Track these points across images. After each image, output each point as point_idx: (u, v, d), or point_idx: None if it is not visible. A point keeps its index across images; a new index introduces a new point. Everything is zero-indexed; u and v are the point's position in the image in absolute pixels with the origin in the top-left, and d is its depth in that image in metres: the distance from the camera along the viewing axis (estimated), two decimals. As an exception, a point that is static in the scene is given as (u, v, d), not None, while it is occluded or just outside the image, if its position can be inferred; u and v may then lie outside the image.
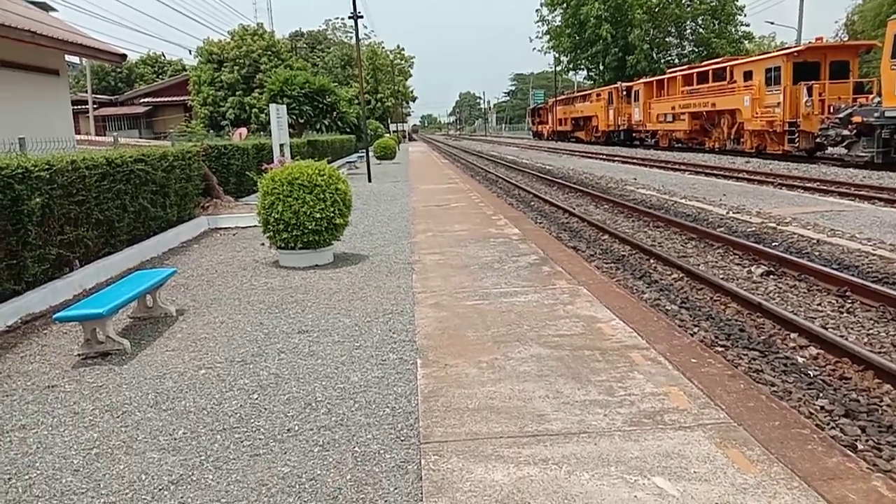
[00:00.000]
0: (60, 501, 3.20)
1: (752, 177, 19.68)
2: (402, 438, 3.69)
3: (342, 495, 3.15)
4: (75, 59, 39.89)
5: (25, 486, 3.35)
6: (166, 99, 50.05)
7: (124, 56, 18.09)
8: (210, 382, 4.64)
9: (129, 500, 3.18)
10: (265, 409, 4.15)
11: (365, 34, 74.67)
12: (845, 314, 6.69)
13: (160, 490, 3.26)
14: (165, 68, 63.70)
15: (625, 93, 43.28)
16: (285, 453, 3.57)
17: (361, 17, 22.60)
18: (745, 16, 59.32)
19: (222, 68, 43.14)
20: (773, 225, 11.27)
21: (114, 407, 4.30)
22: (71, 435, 3.91)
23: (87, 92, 43.40)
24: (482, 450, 3.50)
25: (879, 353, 5.54)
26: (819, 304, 7.01)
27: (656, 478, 3.17)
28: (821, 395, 4.83)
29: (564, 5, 62.67)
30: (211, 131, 31.80)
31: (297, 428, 3.87)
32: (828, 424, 4.39)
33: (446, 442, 3.60)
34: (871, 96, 22.43)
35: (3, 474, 3.48)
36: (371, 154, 26.22)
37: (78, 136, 23.63)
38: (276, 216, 8.23)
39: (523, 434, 3.66)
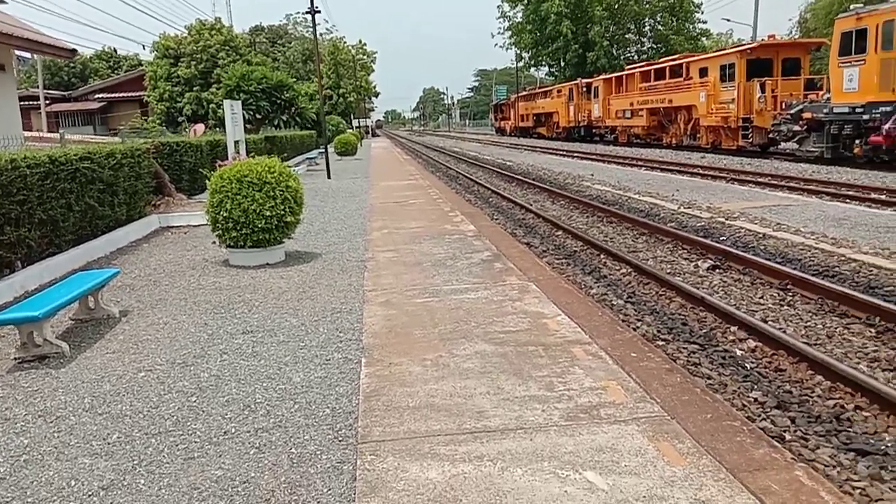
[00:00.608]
0: (-16, 511, 3.13)
1: (705, 172, 20.04)
2: (340, 439, 3.68)
3: (275, 497, 3.13)
4: (26, 55, 38.77)
5: (-53, 496, 3.26)
6: (121, 94, 48.84)
7: (74, 51, 17.67)
8: (149, 385, 4.57)
9: (55, 508, 3.12)
10: (203, 411, 4.11)
11: (326, 29, 74.13)
12: (785, 307, 6.87)
13: (89, 496, 3.21)
14: (121, 63, 62.25)
15: (585, 89, 43.67)
16: (220, 456, 3.54)
17: (319, 11, 22.41)
18: (703, 13, 60.61)
19: (179, 63, 42.32)
20: (722, 219, 11.51)
21: (48, 412, 4.20)
22: (0, 442, 3.82)
23: (38, 87, 42.24)
24: (419, 448, 3.51)
25: (814, 344, 5.70)
26: (761, 298, 7.18)
27: (587, 472, 3.22)
28: (755, 387, 4.95)
29: (525, 2, 62.98)
30: (167, 127, 31.23)
31: (233, 430, 3.83)
32: (759, 416, 4.51)
33: (384, 441, 3.60)
34: (821, 93, 23.03)
35: (-75, 484, 3.38)
36: (331, 150, 26.04)
37: (29, 133, 23.00)
38: (225, 214, 8.13)
39: (461, 431, 3.68)
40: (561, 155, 32.71)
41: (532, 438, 3.57)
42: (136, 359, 5.12)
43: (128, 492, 3.24)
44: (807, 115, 20.85)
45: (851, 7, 20.06)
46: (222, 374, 4.70)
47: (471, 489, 3.10)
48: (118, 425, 3.97)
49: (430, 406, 4.01)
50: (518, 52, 68.14)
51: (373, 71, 78.08)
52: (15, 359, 5.18)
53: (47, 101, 43.21)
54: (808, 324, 6.32)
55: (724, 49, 31.08)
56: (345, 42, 71.45)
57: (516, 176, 22.36)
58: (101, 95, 49.41)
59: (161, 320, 6.13)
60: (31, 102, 39.27)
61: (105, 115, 48.96)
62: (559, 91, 48.97)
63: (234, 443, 3.68)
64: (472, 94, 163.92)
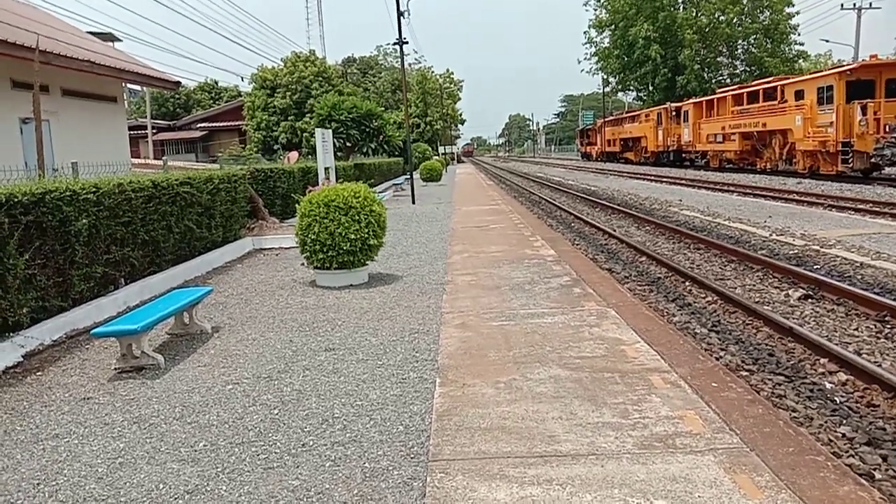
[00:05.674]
0: (83, 507, 3.37)
1: (801, 198, 19.22)
2: (412, 456, 3.76)
3: (346, 509, 3.24)
4: (136, 87, 41.61)
5: (52, 492, 3.53)
6: (222, 124, 51.67)
7: (178, 83, 18.90)
8: (235, 397, 4.80)
9: (145, 508, 3.34)
10: (284, 423, 4.28)
11: (415, 59, 75.96)
12: (882, 339, 6.50)
13: (175, 499, 3.40)
14: (221, 94, 65.81)
15: (674, 113, 42.81)
16: (298, 467, 3.69)
17: (406, 42, 23.09)
18: (800, 35, 58.27)
19: (275, 94, 44.41)
20: (817, 248, 11.00)
21: (142, 419, 4.49)
22: (99, 444, 4.11)
23: (146, 117, 45.15)
24: (488, 469, 3.54)
25: (914, 380, 5.37)
26: (856, 329, 6.82)
27: (658, 501, 3.16)
28: (844, 422, 4.70)
29: (612, 27, 62.64)
30: (263, 155, 32.67)
31: (311, 443, 3.98)
32: (846, 452, 4.28)
33: (454, 460, 3.66)
34: (929, 115, 21.75)
35: (33, 479, 3.68)
36: (417, 176, 26.57)
37: (137, 160, 24.68)
38: (313, 237, 8.45)
39: (531, 455, 3.68)
40: (648, 180, 32.12)
41: (603, 465, 3.53)
42: (225, 372, 5.39)
43: (210, 497, 3.41)
44: (914, 138, 19.73)
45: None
46: (304, 389, 4.88)
47: (538, 511, 3.11)
48: (205, 434, 4.19)
49: (502, 428, 4.04)
50: (605, 77, 67.64)
51: (459, 99, 79.43)
52: (115, 369, 5.55)
53: (154, 130, 46.08)
54: (908, 358, 5.96)
55: (821, 70, 29.85)
56: (432, 72, 73.12)
57: (600, 201, 22.11)
58: (202, 125, 52.38)
59: (250, 336, 6.42)
60: (139, 132, 41.99)
61: (206, 143, 51.75)
62: (647, 115, 48.20)
63: (311, 455, 3.82)
64: (557, 119, 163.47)
